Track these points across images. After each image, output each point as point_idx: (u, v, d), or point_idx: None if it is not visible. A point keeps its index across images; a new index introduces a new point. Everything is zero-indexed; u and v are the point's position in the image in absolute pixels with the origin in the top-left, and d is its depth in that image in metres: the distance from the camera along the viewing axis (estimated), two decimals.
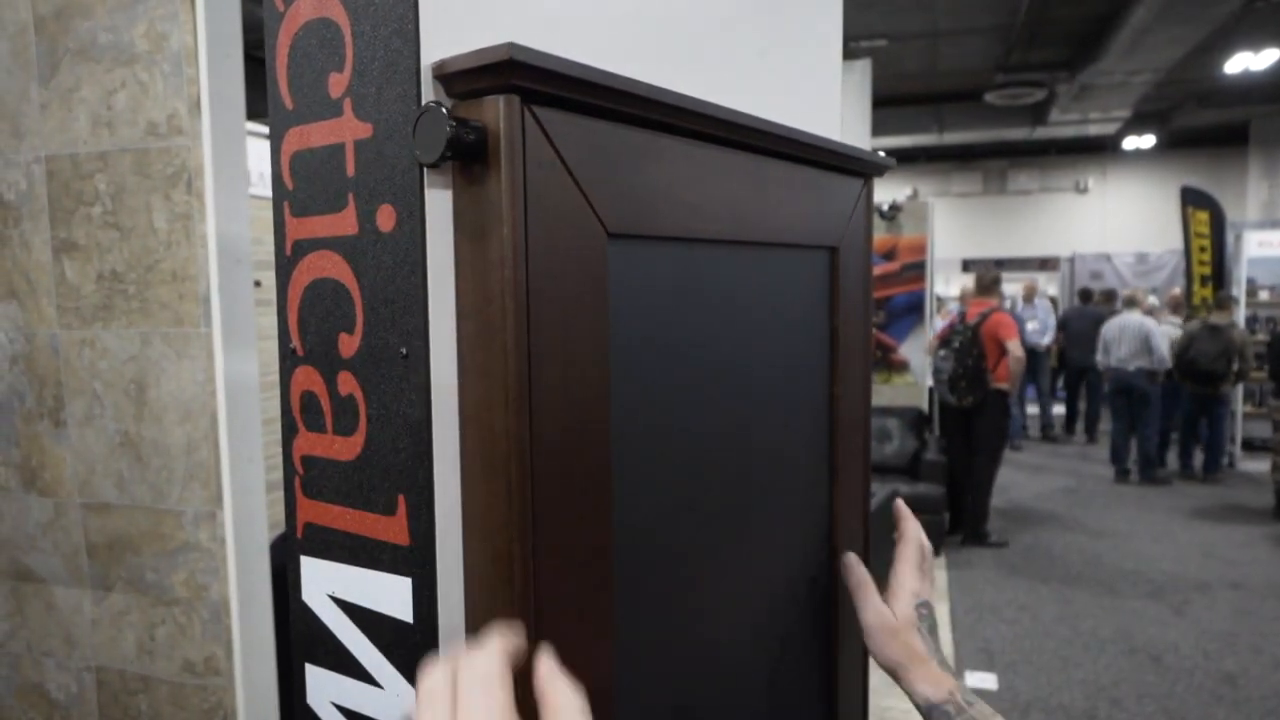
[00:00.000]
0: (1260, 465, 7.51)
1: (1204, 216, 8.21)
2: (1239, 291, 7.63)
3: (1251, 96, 10.87)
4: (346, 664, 0.60)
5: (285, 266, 0.61)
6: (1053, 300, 10.98)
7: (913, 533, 0.84)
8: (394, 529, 0.56)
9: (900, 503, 0.88)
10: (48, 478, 1.78)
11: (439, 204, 0.54)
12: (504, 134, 0.51)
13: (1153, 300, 8.89)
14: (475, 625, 0.55)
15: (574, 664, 0.53)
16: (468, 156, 0.52)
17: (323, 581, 0.61)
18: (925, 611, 0.80)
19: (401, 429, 0.55)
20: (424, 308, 0.53)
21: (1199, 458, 7.40)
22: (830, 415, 0.89)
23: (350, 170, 0.56)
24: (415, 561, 0.55)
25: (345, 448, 0.58)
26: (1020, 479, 7.42)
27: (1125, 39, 7.92)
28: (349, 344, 0.57)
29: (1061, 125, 11.59)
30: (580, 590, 0.58)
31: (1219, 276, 8.16)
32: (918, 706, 0.75)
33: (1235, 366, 6.78)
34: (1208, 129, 12.46)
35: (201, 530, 1.67)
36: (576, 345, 0.57)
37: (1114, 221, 13.70)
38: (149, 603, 1.73)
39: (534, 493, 0.55)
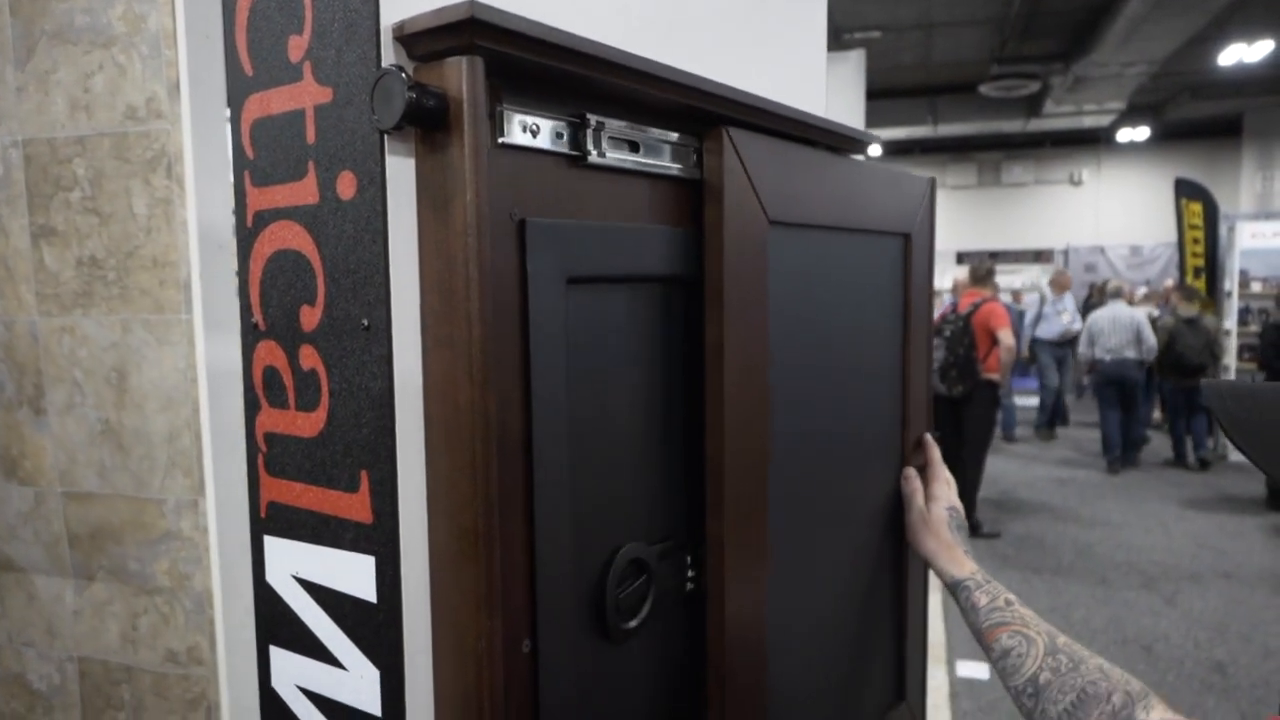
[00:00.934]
0: None
1: (1197, 208, 8.21)
2: (1231, 283, 7.63)
3: (1245, 88, 10.87)
4: (310, 646, 0.58)
5: (246, 239, 0.59)
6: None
7: (939, 460, 1.07)
8: (357, 506, 0.54)
9: (928, 437, 1.11)
10: (28, 466, 1.76)
11: (401, 171, 0.52)
12: (466, 99, 0.50)
13: (1142, 291, 8.90)
14: (440, 604, 0.54)
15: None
16: (428, 123, 0.50)
17: (286, 562, 0.59)
18: (954, 514, 1.00)
19: (364, 403, 0.53)
20: (385, 278, 0.52)
21: (1187, 447, 7.44)
22: (903, 373, 1.08)
23: (310, 137, 0.54)
24: (378, 539, 0.54)
25: (308, 423, 0.57)
26: (1012, 469, 7.43)
27: (1120, 30, 7.91)
28: (310, 317, 0.56)
29: (1056, 117, 11.58)
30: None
31: (1212, 268, 8.17)
32: (946, 585, 0.94)
33: (1217, 357, 6.95)
34: (1201, 121, 12.45)
35: (184, 519, 1.66)
36: None
37: (1108, 214, 13.70)
38: (131, 592, 1.72)
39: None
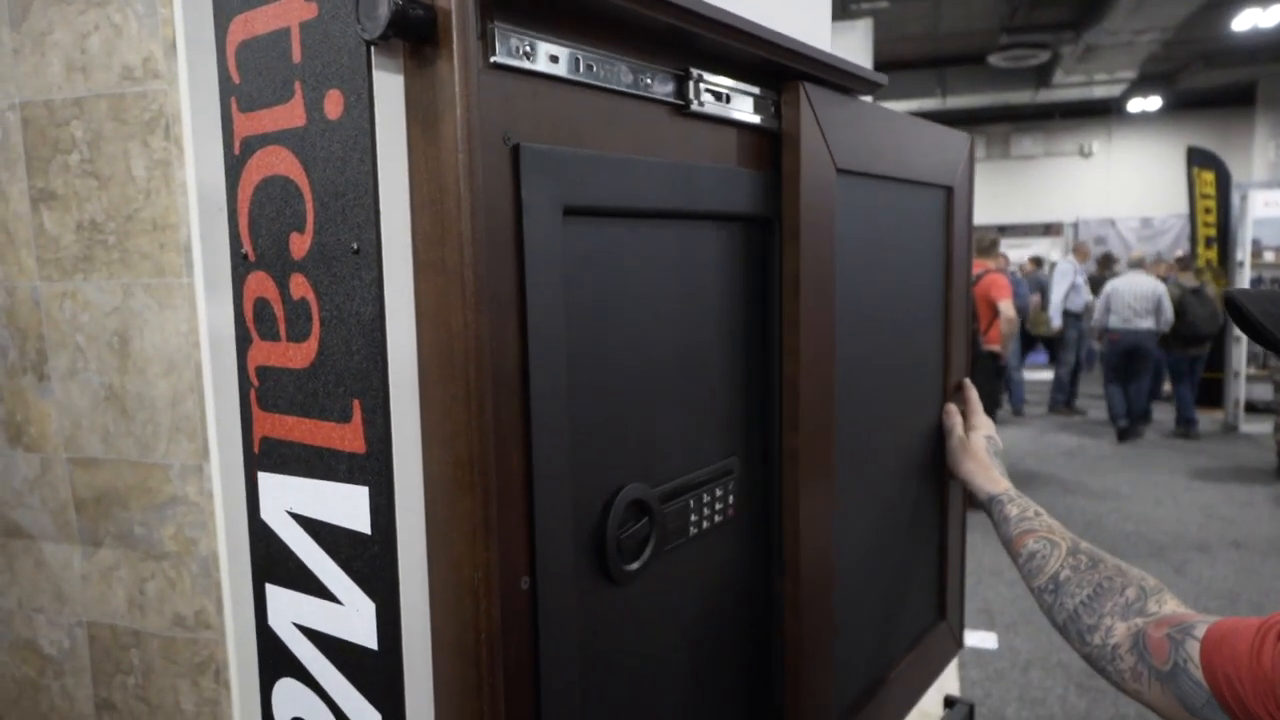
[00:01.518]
0: (1262, 427, 7.49)
1: (1210, 177, 8.11)
2: (1244, 253, 7.54)
3: (1259, 56, 10.69)
4: (306, 582, 0.58)
5: (234, 167, 0.58)
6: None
7: (977, 399, 1.17)
8: (350, 436, 0.53)
9: (967, 381, 1.21)
10: (33, 432, 1.76)
11: (389, 88, 0.50)
12: (455, 9, 0.48)
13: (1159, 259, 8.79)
14: (435, 535, 0.52)
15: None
16: (415, 34, 0.48)
17: (280, 498, 0.58)
18: (992, 442, 1.10)
19: (355, 330, 0.52)
20: (374, 200, 0.50)
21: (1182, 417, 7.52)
22: (945, 318, 1.18)
23: (296, 56, 0.53)
24: (372, 470, 0.52)
25: (299, 354, 0.55)
26: (1020, 441, 7.41)
27: None
28: (300, 244, 0.54)
29: (1065, 88, 11.42)
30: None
31: (1224, 238, 8.08)
32: (981, 502, 1.02)
33: (1222, 326, 7.01)
34: (1214, 90, 12.27)
35: (189, 484, 1.66)
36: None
37: (1118, 186, 13.56)
38: (138, 557, 1.72)
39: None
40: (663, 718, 0.73)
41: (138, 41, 1.54)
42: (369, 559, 0.54)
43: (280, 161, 0.54)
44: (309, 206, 0.53)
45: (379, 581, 0.53)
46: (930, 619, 1.20)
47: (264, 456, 0.59)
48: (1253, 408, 7.83)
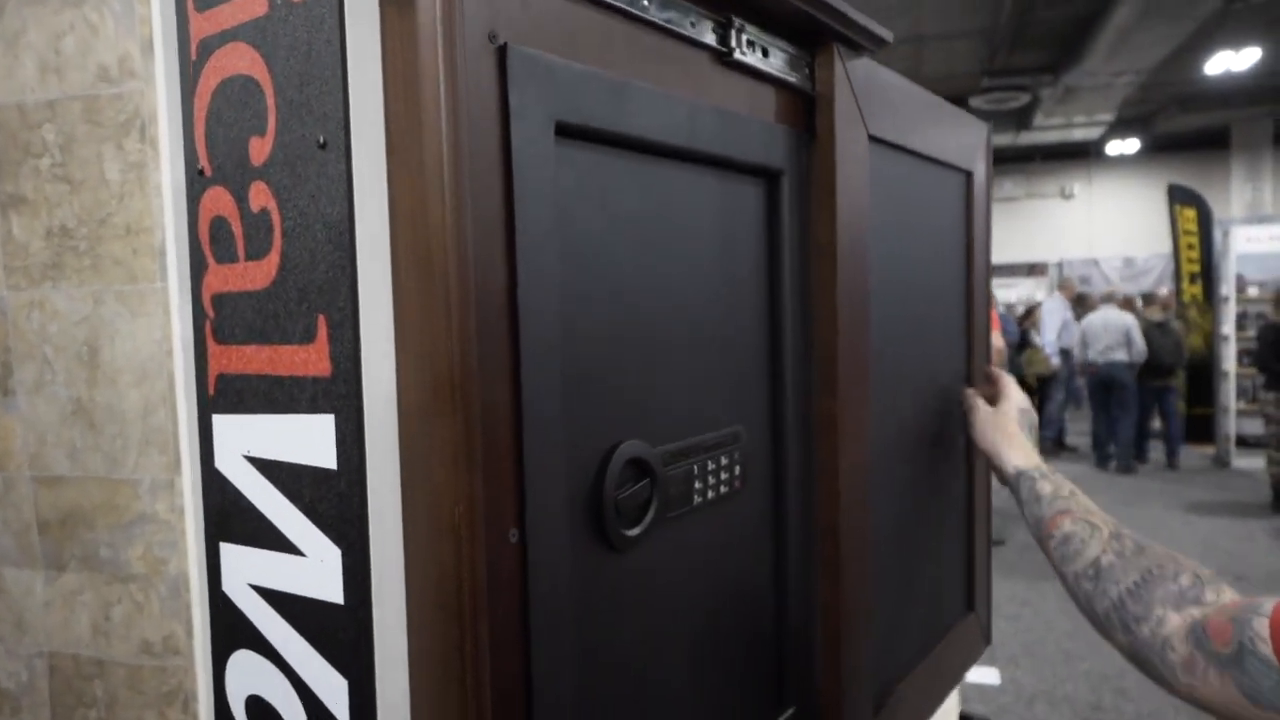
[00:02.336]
0: (1254, 462, 7.46)
1: (1191, 214, 8.19)
2: (1228, 288, 7.59)
3: (1232, 100, 10.93)
4: (264, 535, 0.51)
5: (191, 76, 0.52)
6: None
7: (1009, 379, 1.08)
8: (314, 359, 0.47)
9: (995, 369, 1.14)
10: None
11: None
12: None
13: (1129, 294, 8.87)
14: (411, 466, 0.46)
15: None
16: None
17: (237, 441, 0.52)
18: (1025, 415, 1.00)
19: (320, 236, 0.46)
20: (343, 87, 0.45)
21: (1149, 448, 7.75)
22: (967, 305, 1.16)
23: None
24: (338, 393, 0.46)
25: (259, 273, 0.50)
26: None
27: (1109, 39, 7.94)
28: (261, 148, 0.49)
29: (1046, 130, 11.63)
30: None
31: (1208, 273, 8.14)
32: (1006, 478, 0.93)
33: (1184, 357, 7.59)
34: (1190, 133, 12.51)
35: (159, 500, 1.57)
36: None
37: (1099, 226, 13.73)
38: (103, 580, 1.63)
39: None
40: (665, 697, 0.65)
41: (114, 40, 1.50)
42: (335, 499, 0.47)
43: (239, 59, 0.49)
44: (270, 104, 0.48)
45: (346, 525, 0.47)
46: (959, 610, 1.15)
47: (220, 397, 0.52)
48: (1243, 442, 7.81)
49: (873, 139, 0.87)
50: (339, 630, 0.47)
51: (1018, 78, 9.78)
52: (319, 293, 0.46)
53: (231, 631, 0.53)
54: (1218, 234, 7.93)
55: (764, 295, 0.78)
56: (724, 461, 0.72)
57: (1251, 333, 7.62)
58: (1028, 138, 12.03)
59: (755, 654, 0.77)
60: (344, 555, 0.47)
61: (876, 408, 0.89)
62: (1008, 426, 0.97)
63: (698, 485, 0.69)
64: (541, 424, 0.52)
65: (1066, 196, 13.95)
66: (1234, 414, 7.67)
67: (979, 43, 8.85)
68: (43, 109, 1.54)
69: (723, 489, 0.71)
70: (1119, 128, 11.93)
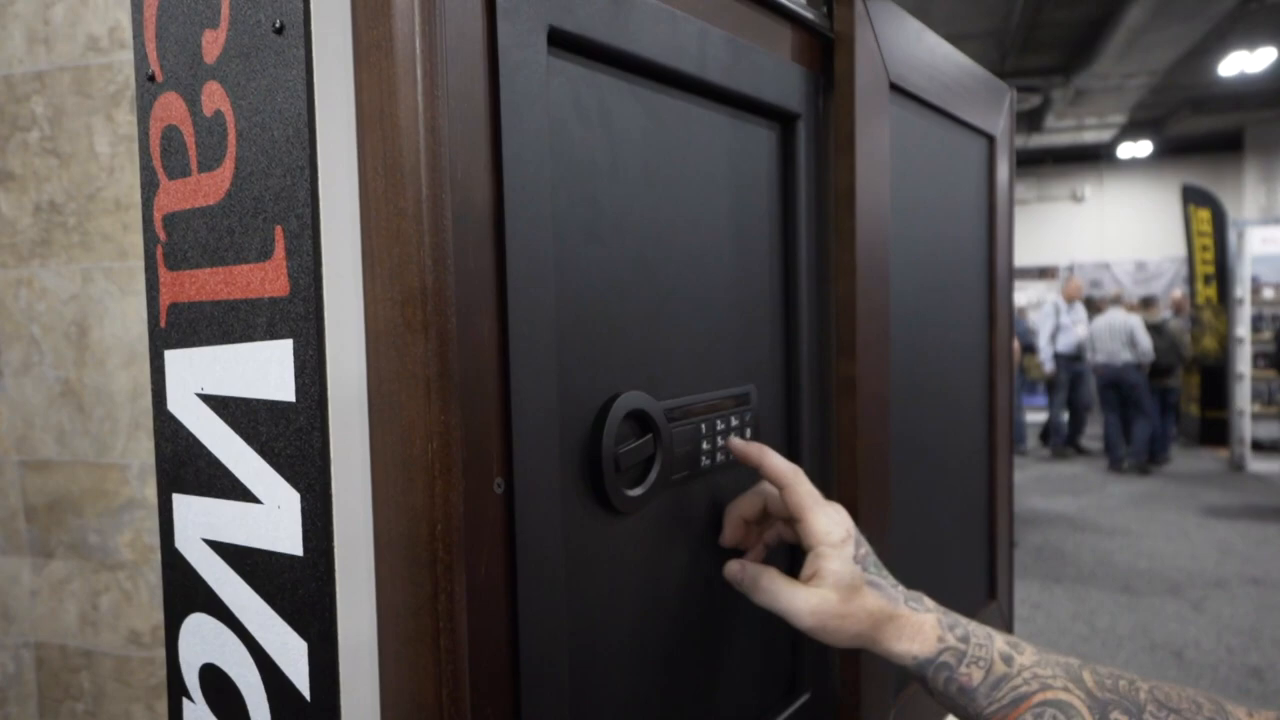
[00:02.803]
0: (1269, 465, 7.36)
1: (1205, 215, 8.10)
2: (1243, 290, 7.49)
3: (1246, 102, 10.83)
4: (219, 482, 0.45)
5: None
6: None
7: (780, 465, 0.62)
8: (270, 277, 0.42)
9: (735, 441, 0.64)
10: None
11: None
12: None
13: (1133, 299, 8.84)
14: (379, 396, 0.40)
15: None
16: None
17: (189, 378, 0.46)
18: (864, 550, 0.60)
19: (277, 134, 0.41)
20: None
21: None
22: (989, 273, 1.08)
23: None
24: (296, 314, 0.41)
25: (211, 185, 0.44)
26: (1024, 479, 7.25)
27: (1121, 40, 7.86)
28: (214, 43, 0.43)
29: (1057, 132, 11.54)
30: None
31: (1222, 275, 8.04)
32: (907, 668, 0.59)
33: (1183, 358, 7.76)
34: (1202, 136, 12.41)
35: (148, 485, 1.52)
36: None
37: (1112, 230, 13.63)
38: (92, 568, 1.58)
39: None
40: (665, 677, 0.60)
41: (104, 10, 1.46)
42: (293, 436, 0.41)
43: None
44: None
45: (305, 465, 0.41)
46: (980, 599, 1.08)
47: (171, 330, 0.47)
48: (1258, 445, 7.71)
49: (894, 87, 0.82)
50: (297, 586, 0.42)
51: (1028, 80, 9.71)
52: (275, 201, 0.41)
53: (185, 593, 0.47)
54: (1232, 235, 7.83)
55: (778, 247, 0.73)
56: (734, 423, 0.66)
57: (1267, 334, 7.52)
58: (1038, 140, 11.95)
59: (766, 637, 0.71)
60: (303, 500, 0.41)
61: (896, 376, 0.83)
62: (868, 605, 0.58)
63: (705, 447, 0.63)
64: (531, 360, 0.46)
65: (1077, 199, 13.85)
66: (1249, 417, 7.56)
67: (989, 44, 8.78)
68: (31, 81, 1.50)
69: (732, 455, 0.66)
70: (1130, 130, 11.83)
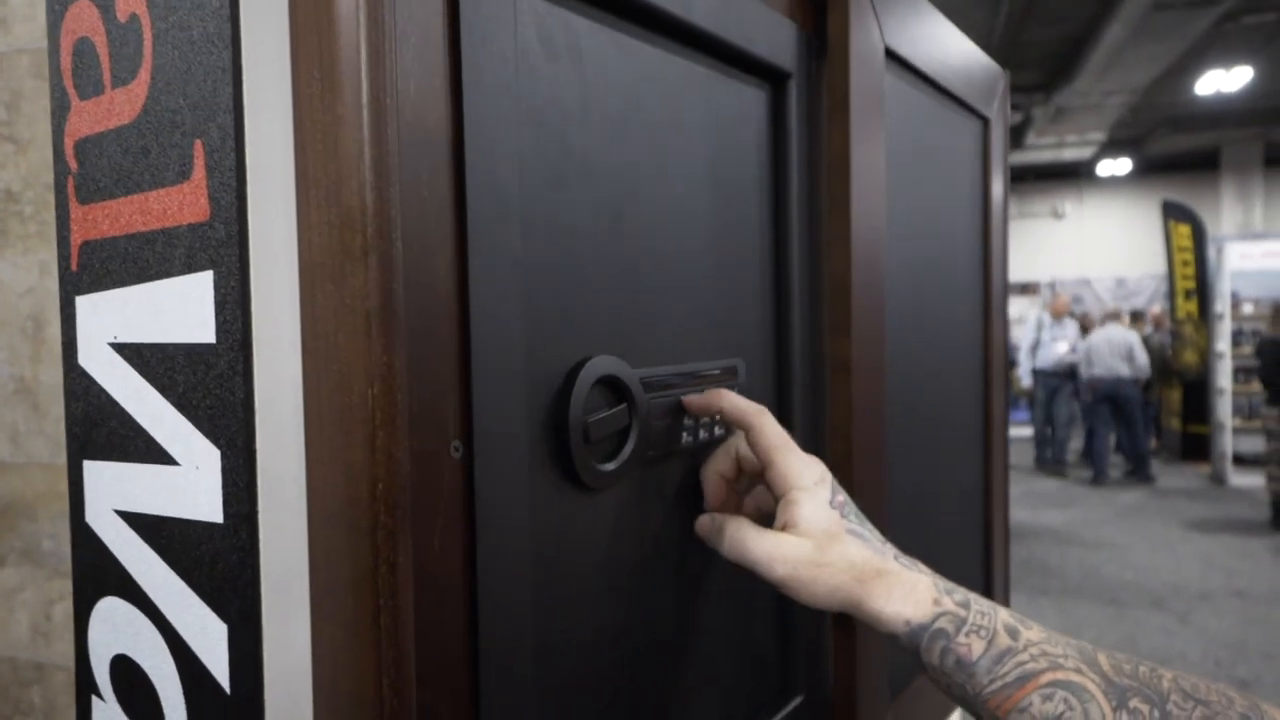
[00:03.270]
0: (1251, 480, 7.37)
1: (1186, 230, 8.16)
2: (1223, 305, 7.53)
3: (1222, 121, 10.97)
4: (132, 443, 0.40)
5: None
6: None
7: (740, 403, 0.55)
8: (189, 200, 0.36)
9: (689, 397, 0.57)
10: None
11: None
12: None
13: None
14: (312, 335, 0.35)
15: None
16: None
17: (101, 326, 0.41)
18: (841, 498, 0.53)
19: (198, 36, 0.35)
20: None
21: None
22: (984, 261, 1.03)
23: None
24: (218, 240, 0.35)
25: (125, 102, 0.39)
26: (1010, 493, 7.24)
27: (1101, 58, 7.95)
28: None
29: (1038, 149, 11.64)
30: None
31: (1203, 290, 8.09)
32: (896, 636, 0.50)
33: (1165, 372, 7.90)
34: (1181, 154, 12.55)
35: None
36: None
37: (1091, 246, 13.73)
38: (45, 576, 1.50)
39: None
40: (646, 675, 0.54)
41: None
42: (213, 383, 0.36)
43: None
44: None
45: (226, 417, 0.36)
46: None
47: (83, 274, 0.41)
48: (1239, 460, 7.73)
49: (889, 54, 0.77)
50: (217, 559, 0.36)
51: (1010, 97, 9.77)
52: (194, 112, 0.36)
53: (96, 575, 0.41)
54: (1212, 251, 7.89)
55: (768, 215, 0.68)
56: None
57: (1247, 349, 7.57)
58: (1019, 157, 12.04)
59: (756, 634, 0.66)
60: (224, 458, 0.35)
61: (891, 360, 0.78)
62: (850, 556, 0.51)
63: (686, 422, 0.58)
64: (497, 308, 0.41)
65: (1058, 216, 13.96)
66: (1230, 431, 7.58)
67: None
68: None
69: (717, 430, 0.60)
70: (1110, 148, 11.96)
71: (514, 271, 0.44)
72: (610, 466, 0.51)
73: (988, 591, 1.07)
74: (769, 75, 0.67)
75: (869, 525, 0.53)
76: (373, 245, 0.33)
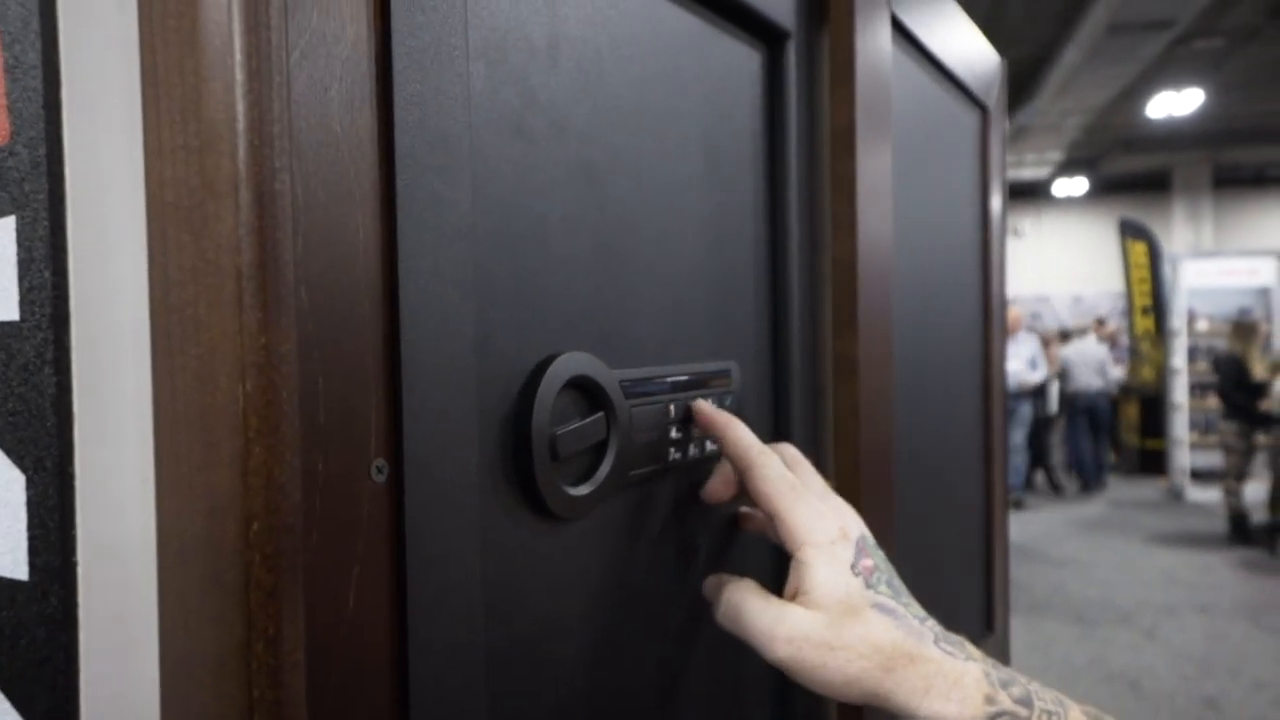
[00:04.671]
0: (1208, 494, 7.45)
1: (1142, 248, 8.27)
2: (1179, 321, 7.64)
3: (1173, 142, 11.23)
4: None
5: None
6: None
7: (741, 440, 0.45)
8: None
9: (701, 405, 0.48)
10: None
11: None
12: None
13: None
14: (164, 304, 0.24)
15: None
16: None
17: None
18: (869, 562, 0.42)
19: None
20: None
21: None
22: (983, 259, 0.97)
23: None
24: (21, 170, 0.25)
25: None
26: None
27: (1058, 79, 8.08)
28: None
29: None
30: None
31: (1159, 307, 8.20)
32: None
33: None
34: (1134, 175, 12.84)
35: None
36: None
37: (1050, 264, 13.94)
38: None
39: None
40: None
41: None
42: (14, 376, 0.25)
43: None
44: None
45: (32, 425, 0.25)
46: (978, 631, 0.94)
47: None
48: (1195, 475, 7.83)
49: (896, 23, 0.69)
50: (19, 633, 0.25)
51: None
52: None
53: None
54: (1167, 268, 8.01)
55: (763, 193, 0.58)
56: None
57: (1203, 365, 7.68)
58: None
59: (751, 671, 0.56)
60: (29, 485, 0.25)
61: (896, 361, 0.70)
62: (873, 637, 0.40)
63: (675, 434, 0.48)
64: (433, 282, 0.31)
65: (1017, 235, 14.17)
66: (1187, 446, 7.68)
67: None
68: None
69: (709, 444, 0.50)
70: (1067, 167, 12.18)
71: (461, 238, 0.33)
72: (583, 490, 0.41)
73: (988, 623, 0.98)
74: (766, 34, 0.58)
75: (908, 596, 0.43)
76: (246, 176, 0.23)
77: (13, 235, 0.24)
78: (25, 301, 0.24)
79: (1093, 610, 4.75)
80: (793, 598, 0.41)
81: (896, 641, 0.40)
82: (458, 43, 0.34)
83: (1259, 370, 6.24)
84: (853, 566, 0.41)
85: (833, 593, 0.40)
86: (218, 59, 0.23)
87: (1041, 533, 6.47)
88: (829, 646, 0.39)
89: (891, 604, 0.41)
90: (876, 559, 0.43)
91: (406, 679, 0.30)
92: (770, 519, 0.43)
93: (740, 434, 0.46)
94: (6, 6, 0.24)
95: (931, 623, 0.42)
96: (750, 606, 0.41)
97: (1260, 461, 6.25)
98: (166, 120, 0.24)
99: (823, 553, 0.41)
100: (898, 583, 0.43)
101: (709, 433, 0.47)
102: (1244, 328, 6.33)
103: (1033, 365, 7.31)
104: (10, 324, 0.25)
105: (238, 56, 0.23)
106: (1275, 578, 5.37)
